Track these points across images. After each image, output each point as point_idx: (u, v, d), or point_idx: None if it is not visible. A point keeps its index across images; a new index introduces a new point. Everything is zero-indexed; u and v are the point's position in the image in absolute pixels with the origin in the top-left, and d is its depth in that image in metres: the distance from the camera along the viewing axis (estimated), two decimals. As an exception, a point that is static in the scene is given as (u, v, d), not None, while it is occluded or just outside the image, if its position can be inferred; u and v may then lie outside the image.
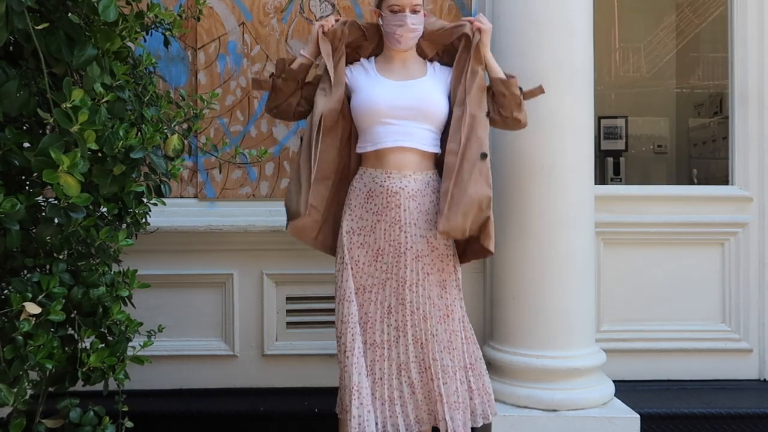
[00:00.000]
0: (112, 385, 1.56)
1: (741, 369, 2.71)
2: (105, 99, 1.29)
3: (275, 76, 1.95)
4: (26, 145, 1.25)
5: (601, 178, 4.01)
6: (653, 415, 2.32)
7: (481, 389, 1.95)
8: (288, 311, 2.59)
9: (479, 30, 1.91)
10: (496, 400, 2.27)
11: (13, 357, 1.23)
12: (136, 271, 1.62)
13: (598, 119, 4.13)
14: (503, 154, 2.29)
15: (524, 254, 2.27)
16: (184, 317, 2.54)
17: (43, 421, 1.47)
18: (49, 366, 1.29)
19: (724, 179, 2.86)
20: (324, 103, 1.87)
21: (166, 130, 1.65)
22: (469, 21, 1.94)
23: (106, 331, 1.52)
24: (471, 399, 1.92)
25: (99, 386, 1.53)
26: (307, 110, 1.98)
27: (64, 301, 1.31)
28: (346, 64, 1.98)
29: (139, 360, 1.56)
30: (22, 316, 1.22)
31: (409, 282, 1.87)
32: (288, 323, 2.59)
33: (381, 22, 1.96)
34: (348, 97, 1.97)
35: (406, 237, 1.87)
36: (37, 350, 1.24)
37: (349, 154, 2.02)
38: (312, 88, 1.98)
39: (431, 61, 2.05)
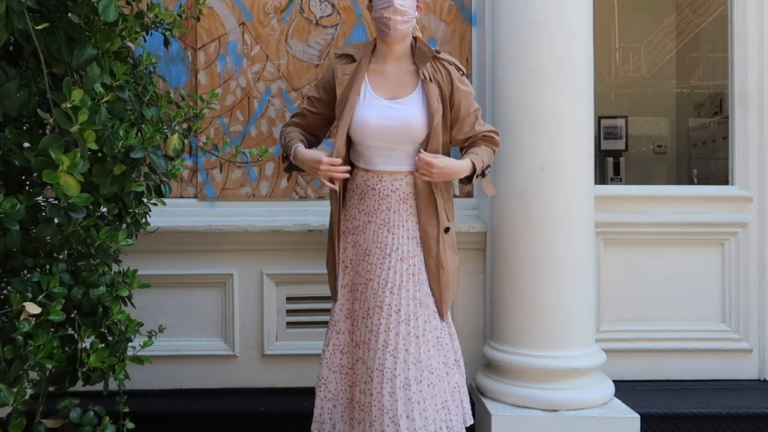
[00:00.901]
0: (112, 385, 1.56)
1: (741, 369, 2.71)
2: (105, 99, 1.29)
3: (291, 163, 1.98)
4: (26, 145, 1.25)
5: (601, 178, 4.01)
6: (653, 415, 2.32)
7: (460, 384, 1.91)
8: (288, 311, 2.59)
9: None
10: (496, 400, 2.28)
11: (13, 357, 1.23)
12: (136, 271, 1.62)
13: (598, 119, 4.13)
14: (503, 155, 2.29)
15: (524, 254, 2.27)
16: (184, 317, 2.54)
17: (43, 421, 1.47)
18: (49, 366, 1.29)
19: (724, 179, 2.86)
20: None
21: (166, 130, 1.65)
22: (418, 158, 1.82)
23: (106, 331, 1.52)
24: (459, 393, 1.88)
25: (99, 386, 1.53)
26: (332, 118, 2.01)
27: (64, 301, 1.31)
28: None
29: (139, 360, 1.56)
30: (22, 316, 1.22)
31: (391, 284, 1.82)
32: (288, 323, 2.59)
33: (372, 16, 1.91)
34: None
35: (393, 239, 1.87)
36: (37, 350, 1.24)
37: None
38: (323, 116, 2.02)
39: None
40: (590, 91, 2.34)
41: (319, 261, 2.49)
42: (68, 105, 1.15)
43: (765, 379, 2.71)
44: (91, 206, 1.42)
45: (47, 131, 1.28)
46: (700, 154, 4.15)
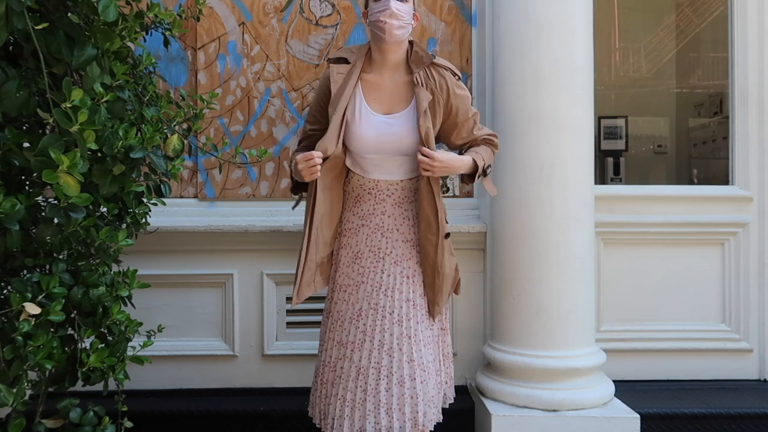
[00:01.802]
0: (112, 385, 1.55)
1: (741, 369, 2.71)
2: (105, 99, 1.29)
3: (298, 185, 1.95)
4: (26, 145, 1.25)
5: (601, 178, 4.02)
6: (653, 415, 2.32)
7: (449, 376, 1.99)
8: (288, 311, 2.59)
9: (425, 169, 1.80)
10: (495, 399, 2.28)
11: (13, 357, 1.23)
12: (136, 271, 1.62)
13: (598, 119, 4.13)
14: (503, 155, 2.29)
15: (524, 254, 2.27)
16: (184, 317, 2.55)
17: (42, 421, 1.47)
18: (49, 366, 1.29)
19: (724, 179, 2.86)
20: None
21: (166, 130, 1.65)
22: (420, 152, 1.80)
23: (106, 331, 1.52)
24: (445, 384, 1.95)
25: (99, 386, 1.53)
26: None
27: (64, 301, 1.31)
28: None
29: (139, 360, 1.56)
30: (22, 317, 1.22)
31: (385, 287, 1.84)
32: (288, 323, 2.59)
33: (367, 22, 1.88)
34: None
35: (387, 242, 1.87)
36: (37, 350, 1.24)
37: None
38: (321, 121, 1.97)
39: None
40: (590, 91, 2.34)
41: (319, 261, 2.49)
42: (68, 105, 1.14)
43: (765, 379, 2.71)
44: (91, 206, 1.42)
45: (47, 131, 1.28)
46: (700, 154, 4.15)
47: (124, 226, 1.59)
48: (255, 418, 2.39)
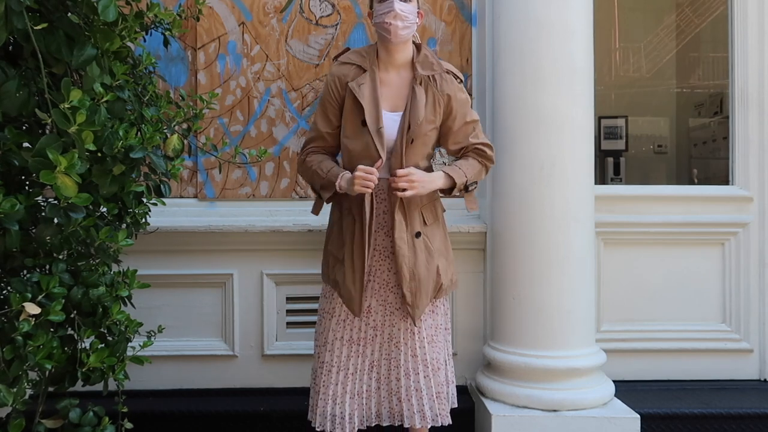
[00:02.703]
0: (112, 385, 1.55)
1: (741, 369, 2.71)
2: (105, 99, 1.29)
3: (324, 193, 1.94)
4: (26, 145, 1.25)
5: (601, 178, 4.01)
6: (653, 415, 2.32)
7: (451, 377, 2.00)
8: (288, 311, 2.59)
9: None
10: (495, 400, 2.28)
11: (13, 357, 1.23)
12: (135, 271, 1.62)
13: (598, 119, 4.13)
14: (503, 155, 2.29)
15: (524, 254, 2.27)
16: (184, 317, 2.54)
17: (42, 421, 1.47)
18: (49, 366, 1.29)
19: (724, 179, 2.86)
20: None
21: (165, 130, 1.65)
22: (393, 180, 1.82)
23: (105, 331, 1.52)
24: (448, 386, 1.96)
25: (99, 386, 1.53)
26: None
27: (63, 301, 1.31)
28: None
29: (138, 360, 1.56)
30: (22, 317, 1.22)
31: (392, 284, 1.89)
32: (288, 323, 2.59)
33: (373, 22, 1.90)
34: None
35: (390, 240, 1.88)
36: (37, 350, 1.24)
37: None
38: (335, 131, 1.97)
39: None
40: (590, 91, 2.34)
41: (318, 261, 2.49)
42: (66, 105, 1.14)
43: (765, 380, 2.71)
44: (90, 206, 1.42)
45: (47, 131, 1.28)
46: (700, 154, 4.15)
47: (124, 226, 1.59)
48: (255, 418, 2.39)
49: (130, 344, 1.58)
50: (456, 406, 1.99)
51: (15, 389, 1.25)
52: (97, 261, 1.50)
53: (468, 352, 2.58)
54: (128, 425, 1.61)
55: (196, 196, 2.60)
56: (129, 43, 1.51)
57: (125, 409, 1.61)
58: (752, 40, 2.72)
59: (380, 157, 1.82)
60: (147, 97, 1.62)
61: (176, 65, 2.59)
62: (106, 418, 1.54)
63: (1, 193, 1.14)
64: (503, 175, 2.32)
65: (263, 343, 2.57)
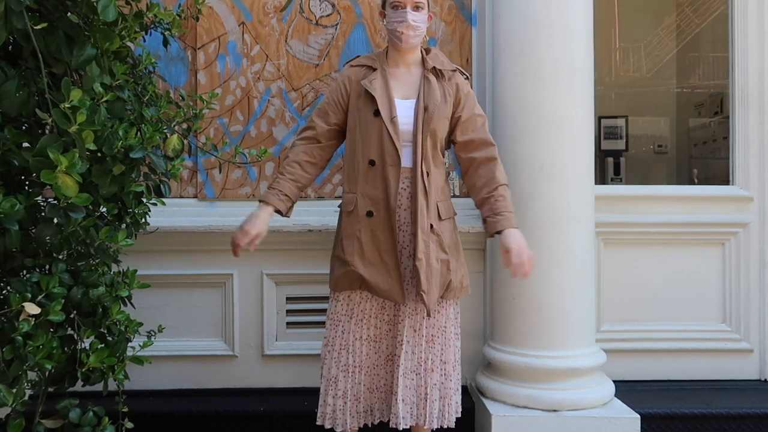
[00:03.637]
0: (112, 385, 1.55)
1: (741, 369, 2.71)
2: (104, 99, 1.29)
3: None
4: (26, 145, 1.25)
5: (601, 178, 4.01)
6: (653, 415, 2.31)
7: (452, 383, 1.98)
8: (288, 311, 2.59)
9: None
10: (496, 400, 2.28)
11: (13, 357, 1.22)
12: (135, 271, 1.62)
13: (598, 119, 4.13)
14: (503, 155, 2.28)
15: (524, 254, 2.27)
16: (184, 317, 2.54)
17: (42, 421, 1.47)
18: (49, 366, 1.28)
19: (724, 179, 2.86)
20: None
21: (165, 130, 1.65)
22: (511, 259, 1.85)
23: (105, 332, 1.52)
24: (456, 391, 1.97)
25: (99, 386, 1.53)
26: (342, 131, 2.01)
27: (63, 301, 1.31)
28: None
29: (138, 360, 1.56)
30: (22, 317, 1.22)
31: (407, 277, 1.90)
32: (288, 323, 2.59)
33: (384, 22, 1.98)
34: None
35: (404, 235, 1.89)
36: (37, 350, 1.24)
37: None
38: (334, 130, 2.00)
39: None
40: (590, 91, 2.34)
41: (318, 261, 2.49)
42: (67, 105, 1.14)
43: (765, 380, 2.71)
44: (90, 206, 1.42)
45: (47, 131, 1.27)
46: (700, 154, 4.15)
47: (123, 226, 1.59)
48: (255, 419, 2.39)
49: (130, 344, 1.58)
50: (459, 415, 1.97)
51: (15, 389, 1.25)
52: (96, 261, 1.50)
53: (468, 352, 2.57)
54: (129, 425, 1.61)
55: (196, 196, 2.60)
56: (129, 43, 1.51)
57: (125, 409, 1.61)
58: (752, 40, 2.72)
59: (395, 145, 1.85)
60: (147, 97, 1.62)
61: (176, 65, 2.59)
62: (106, 418, 1.54)
63: (1, 193, 1.14)
64: (503, 175, 2.32)
65: (263, 343, 2.56)
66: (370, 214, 1.87)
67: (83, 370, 1.43)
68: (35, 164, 1.12)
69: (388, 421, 1.92)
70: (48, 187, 1.15)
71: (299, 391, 2.53)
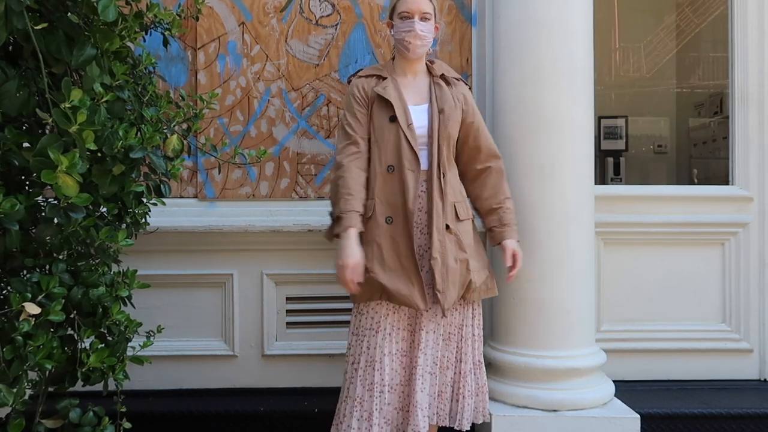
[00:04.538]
0: (112, 385, 1.55)
1: (741, 369, 2.71)
2: (104, 99, 1.29)
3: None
4: (26, 145, 1.25)
5: (601, 178, 4.01)
6: (653, 415, 2.32)
7: (483, 387, 2.01)
8: (288, 311, 2.59)
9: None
10: (496, 400, 2.27)
11: (13, 357, 1.23)
12: (135, 271, 1.62)
13: (598, 119, 4.13)
14: (503, 155, 2.28)
15: (524, 254, 2.26)
16: (184, 317, 2.54)
17: (42, 421, 1.47)
18: (49, 366, 1.28)
19: (724, 179, 2.86)
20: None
21: (165, 130, 1.65)
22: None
23: (105, 332, 1.52)
24: (477, 395, 1.98)
25: (99, 386, 1.53)
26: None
27: (63, 301, 1.31)
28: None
29: (138, 360, 1.56)
30: (22, 317, 1.22)
31: (426, 281, 1.91)
32: (288, 323, 2.59)
33: (392, 32, 2.02)
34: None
35: (425, 239, 1.90)
36: (37, 350, 1.24)
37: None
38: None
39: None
40: (590, 91, 2.34)
41: (318, 261, 2.50)
42: (67, 105, 1.14)
43: (765, 380, 2.71)
44: (90, 206, 1.42)
45: (47, 131, 1.28)
46: (700, 154, 4.15)
47: (123, 226, 1.59)
48: (255, 419, 2.39)
49: (130, 344, 1.58)
50: (479, 422, 1.97)
51: (15, 389, 1.25)
52: (97, 261, 1.50)
53: (468, 352, 2.57)
54: (127, 425, 1.61)
55: (196, 196, 2.60)
56: (129, 43, 1.51)
57: (123, 409, 1.61)
58: (752, 40, 2.72)
59: (413, 150, 1.88)
60: (147, 97, 1.62)
61: (176, 65, 2.59)
62: (106, 418, 1.54)
63: (1, 193, 1.14)
64: (503, 175, 2.32)
65: (263, 343, 2.57)
66: (389, 220, 1.88)
67: (83, 370, 1.43)
68: (35, 164, 1.12)
69: None
70: (48, 187, 1.15)
71: (299, 391, 2.53)
